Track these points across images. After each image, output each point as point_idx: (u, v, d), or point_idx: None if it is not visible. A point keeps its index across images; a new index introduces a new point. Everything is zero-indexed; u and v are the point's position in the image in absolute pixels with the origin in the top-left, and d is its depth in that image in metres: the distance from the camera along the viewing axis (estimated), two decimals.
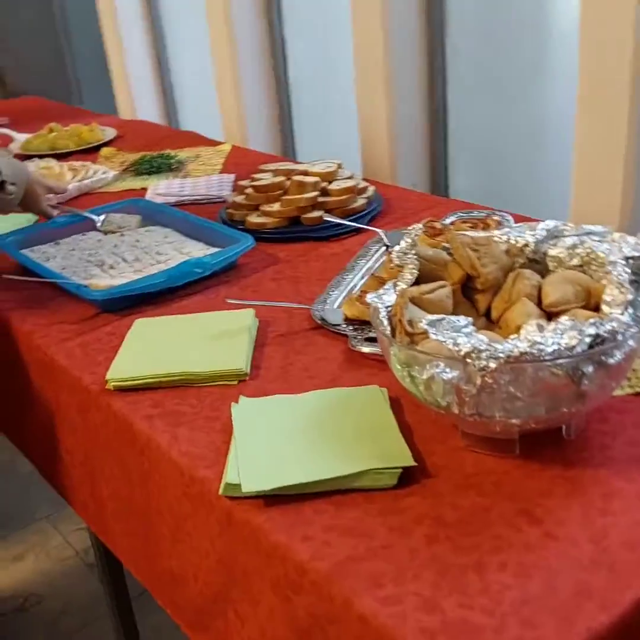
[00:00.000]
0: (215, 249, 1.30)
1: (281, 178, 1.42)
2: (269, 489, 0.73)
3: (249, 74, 2.02)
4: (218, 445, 0.83)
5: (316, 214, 1.38)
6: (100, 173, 1.79)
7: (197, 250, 1.31)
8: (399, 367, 0.76)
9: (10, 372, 1.21)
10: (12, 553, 1.90)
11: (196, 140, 2.13)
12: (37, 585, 1.79)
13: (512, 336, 0.71)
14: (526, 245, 0.87)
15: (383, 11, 1.54)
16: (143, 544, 0.95)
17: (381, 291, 0.83)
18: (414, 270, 0.84)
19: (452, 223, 1.33)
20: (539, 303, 0.82)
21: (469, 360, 0.68)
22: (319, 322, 1.06)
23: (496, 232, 0.88)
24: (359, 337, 0.99)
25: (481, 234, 0.88)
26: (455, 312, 0.83)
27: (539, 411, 0.72)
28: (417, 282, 0.85)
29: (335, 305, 1.11)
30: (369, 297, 0.82)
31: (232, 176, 1.75)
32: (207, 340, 1.01)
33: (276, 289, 1.20)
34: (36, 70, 3.19)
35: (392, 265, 0.89)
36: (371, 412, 0.84)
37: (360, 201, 1.42)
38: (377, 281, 1.11)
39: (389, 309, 0.81)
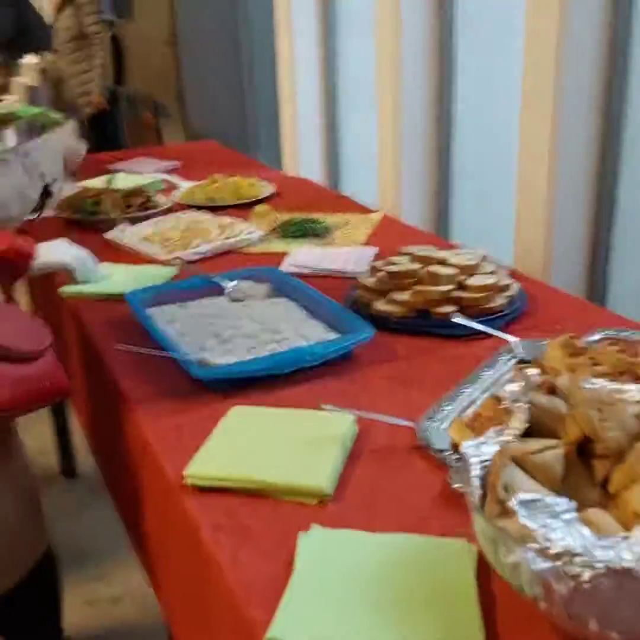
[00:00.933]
0: (333, 334, 1.24)
1: (416, 266, 1.34)
2: None
3: (411, 144, 1.97)
4: (277, 580, 0.75)
5: (447, 309, 1.28)
6: (246, 233, 1.79)
7: (315, 333, 1.25)
8: (482, 540, 0.66)
9: (116, 428, 1.21)
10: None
11: (349, 205, 2.10)
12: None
13: (620, 535, 0.58)
14: None
15: (555, 94, 1.44)
16: None
17: (481, 439, 0.73)
18: (524, 420, 0.73)
19: (597, 342, 1.19)
20: None
21: (558, 564, 0.57)
22: (422, 443, 0.97)
23: (631, 389, 0.75)
24: None
25: (610, 386, 0.75)
26: (566, 477, 0.71)
27: None
28: (528, 432, 0.74)
29: (445, 424, 1.01)
30: (465, 446, 0.72)
31: (374, 250, 1.69)
32: (298, 444, 0.94)
33: (386, 391, 1.11)
34: (219, 113, 3.32)
35: (500, 406, 0.79)
36: (451, 575, 0.73)
37: (500, 301, 1.31)
38: (497, 404, 1.00)
39: (485, 465, 0.70)
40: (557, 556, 0.57)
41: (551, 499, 0.61)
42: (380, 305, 1.32)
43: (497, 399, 1.01)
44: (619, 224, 1.55)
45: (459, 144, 1.99)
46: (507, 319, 1.30)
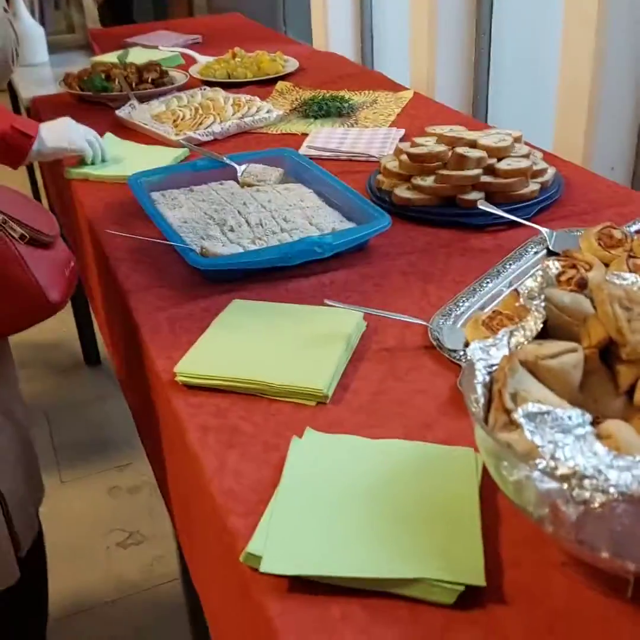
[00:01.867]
0: (348, 224, 1.15)
1: (442, 148, 1.22)
2: (291, 575, 0.59)
3: (447, 15, 1.78)
4: (264, 486, 0.69)
5: (473, 196, 1.17)
6: (264, 111, 1.67)
7: (329, 222, 1.15)
8: (484, 453, 0.58)
9: (120, 320, 1.15)
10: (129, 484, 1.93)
11: (380, 82, 1.94)
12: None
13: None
14: None
15: None
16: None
17: (490, 341, 0.64)
18: (539, 320, 0.64)
19: (638, 233, 1.08)
20: None
21: (566, 486, 0.49)
22: (434, 342, 0.89)
23: None
24: None
25: (638, 289, 0.65)
26: (586, 385, 0.63)
27: None
28: (543, 333, 0.66)
29: (460, 323, 0.92)
30: (472, 347, 0.63)
31: (400, 132, 1.56)
32: (298, 342, 0.87)
33: (401, 286, 1.03)
34: None
35: (517, 304, 0.70)
36: (452, 490, 0.66)
37: (533, 186, 1.19)
38: (517, 301, 0.91)
39: (493, 370, 0.62)
40: (564, 478, 0.49)
41: (562, 411, 0.53)
42: (401, 192, 1.21)
43: (519, 294, 0.92)
44: None
45: (500, 18, 1.80)
46: (539, 206, 1.19)
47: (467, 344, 0.87)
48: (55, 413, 2.19)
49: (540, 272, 0.66)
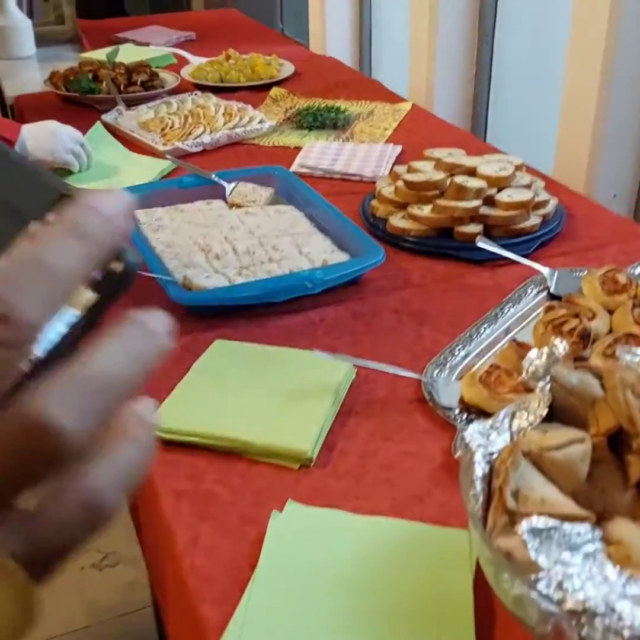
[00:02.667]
0: (340, 255, 1.09)
1: (441, 175, 1.17)
2: None
3: (448, 25, 1.72)
4: (241, 568, 0.64)
5: (472, 228, 1.12)
6: (257, 122, 1.60)
7: (319, 251, 1.10)
8: (482, 560, 0.53)
9: None
10: None
11: (377, 92, 1.87)
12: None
13: None
14: None
15: None
16: None
17: (490, 423, 0.59)
18: (545, 404, 0.59)
19: None
20: None
21: (574, 623, 0.44)
22: (427, 396, 0.83)
23: None
24: None
25: None
26: (593, 475, 0.58)
27: None
28: (549, 416, 0.60)
29: (456, 374, 0.87)
30: (468, 433, 0.58)
31: (397, 149, 1.50)
32: (283, 394, 0.82)
33: (393, 327, 0.97)
34: None
35: (520, 379, 0.65)
36: (444, 582, 0.61)
37: (534, 220, 1.14)
38: (517, 354, 0.86)
39: (493, 458, 0.57)
40: (573, 613, 0.44)
41: (570, 526, 0.48)
42: (396, 221, 1.16)
43: (518, 346, 0.87)
44: None
45: (503, 30, 1.74)
46: (540, 241, 1.13)
47: (462, 401, 0.82)
48: None
49: (546, 350, 0.61)
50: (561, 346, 0.60)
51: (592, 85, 1.31)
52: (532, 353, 0.62)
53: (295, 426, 0.77)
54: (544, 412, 0.59)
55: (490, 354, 0.91)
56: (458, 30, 1.77)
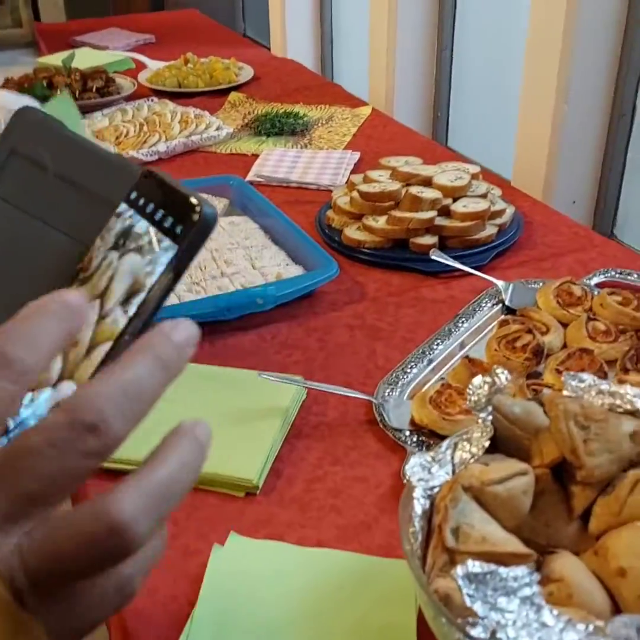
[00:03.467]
0: (294, 268, 1.07)
1: (396, 186, 1.15)
2: None
3: (407, 28, 1.71)
4: (180, 605, 0.62)
5: (427, 240, 1.10)
6: (213, 129, 1.58)
7: (273, 265, 1.08)
8: (420, 601, 0.52)
9: None
10: None
11: (337, 96, 1.85)
12: None
13: (592, 624, 0.44)
14: None
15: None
16: None
17: (431, 455, 0.58)
18: (487, 436, 0.58)
19: (598, 286, 1.02)
20: None
21: None
22: (378, 418, 0.82)
23: (628, 391, 0.59)
24: None
25: (602, 386, 0.59)
26: (536, 507, 0.56)
27: None
28: (491, 443, 0.59)
29: (407, 394, 0.85)
30: (409, 466, 0.56)
31: (355, 156, 1.48)
32: (231, 419, 0.79)
33: (347, 343, 0.95)
34: None
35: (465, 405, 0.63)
36: (387, 617, 0.60)
37: (490, 230, 1.13)
38: (470, 371, 0.84)
39: (434, 492, 0.55)
40: None
41: (505, 570, 0.46)
42: (351, 232, 1.14)
43: (470, 363, 0.86)
44: (634, 143, 1.34)
45: (463, 34, 1.73)
46: (496, 251, 1.12)
47: (413, 422, 0.80)
48: None
49: (488, 379, 0.59)
50: (503, 376, 0.58)
51: (549, 91, 1.30)
52: (476, 380, 0.61)
53: (241, 453, 0.75)
54: (486, 443, 0.57)
55: (443, 371, 0.89)
56: (418, 34, 1.75)
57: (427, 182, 1.16)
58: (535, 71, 1.31)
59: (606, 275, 1.04)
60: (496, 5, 1.67)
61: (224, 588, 0.62)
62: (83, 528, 0.30)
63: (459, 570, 0.46)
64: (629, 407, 0.58)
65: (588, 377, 0.62)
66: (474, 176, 1.19)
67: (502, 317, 0.96)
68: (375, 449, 0.79)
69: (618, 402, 0.59)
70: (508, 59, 1.56)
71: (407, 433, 0.79)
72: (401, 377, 0.87)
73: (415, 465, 0.57)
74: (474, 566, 0.46)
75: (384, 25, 1.75)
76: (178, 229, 0.36)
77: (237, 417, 0.80)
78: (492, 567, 0.46)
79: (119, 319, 0.37)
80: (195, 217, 0.35)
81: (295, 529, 0.69)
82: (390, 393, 0.85)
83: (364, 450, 0.79)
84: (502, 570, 0.46)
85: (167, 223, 0.37)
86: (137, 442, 0.74)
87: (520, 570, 0.47)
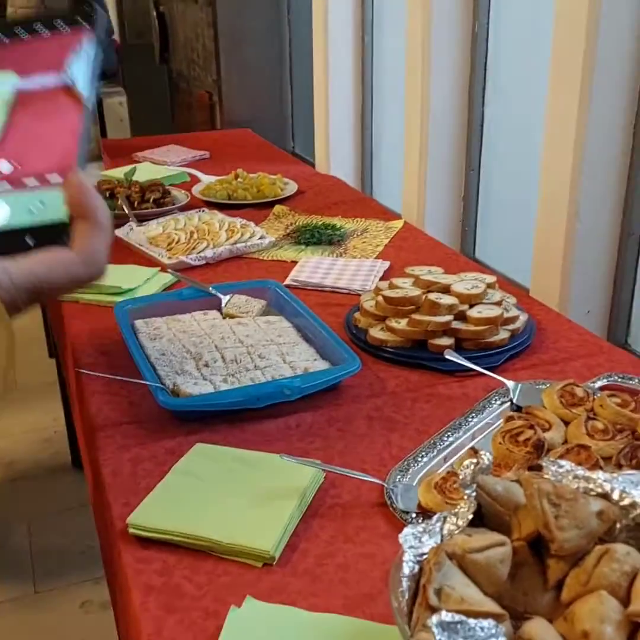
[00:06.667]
0: (321, 363, 1.17)
1: (417, 292, 1.26)
2: None
3: (438, 151, 1.87)
4: None
5: (444, 341, 1.20)
6: (257, 237, 1.73)
7: (302, 360, 1.18)
8: None
9: (89, 455, 1.17)
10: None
11: (373, 210, 2.01)
12: None
13: None
14: (634, 505, 0.65)
15: (580, 118, 1.33)
16: None
17: (422, 526, 0.65)
18: (471, 509, 0.66)
19: (601, 389, 1.09)
20: (627, 599, 0.60)
21: None
22: (388, 501, 0.89)
23: (600, 477, 0.67)
24: None
25: (578, 472, 0.67)
26: (516, 577, 0.63)
27: None
28: (479, 519, 0.67)
29: (417, 480, 0.93)
30: (402, 535, 0.64)
31: (385, 264, 1.61)
32: (253, 496, 0.88)
33: (365, 433, 1.04)
34: (257, 102, 3.25)
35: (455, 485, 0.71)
36: None
37: (503, 334, 1.22)
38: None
39: (423, 559, 0.63)
40: None
41: (474, 621, 0.54)
42: (375, 332, 1.25)
43: (475, 454, 0.93)
44: None
45: (489, 154, 1.88)
46: (508, 354, 1.21)
47: (420, 506, 0.88)
48: (38, 518, 2.18)
49: (474, 460, 0.67)
50: (486, 457, 0.67)
51: (562, 209, 1.42)
52: (466, 461, 0.69)
53: (260, 527, 0.83)
54: (470, 516, 0.65)
55: (451, 460, 0.97)
56: (447, 155, 1.91)
57: (446, 290, 1.27)
58: (550, 190, 1.43)
59: (609, 379, 1.12)
60: (518, 133, 1.82)
61: None
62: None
63: (434, 618, 0.54)
64: (600, 490, 0.66)
65: (566, 463, 0.69)
66: (490, 285, 1.30)
67: (508, 414, 1.04)
68: (383, 530, 0.86)
69: (591, 485, 0.67)
70: (529, 177, 1.69)
71: (414, 515, 0.86)
72: (412, 465, 0.95)
73: (408, 534, 0.64)
74: (446, 616, 0.53)
75: (416, 149, 1.91)
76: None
77: (260, 495, 0.88)
78: (463, 617, 0.54)
79: None
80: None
81: (306, 597, 0.76)
82: (401, 479, 0.93)
83: (373, 530, 0.86)
84: (471, 620, 0.53)
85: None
86: (172, 513, 0.84)
87: (487, 622, 0.54)
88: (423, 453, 0.98)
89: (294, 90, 3.21)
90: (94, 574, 1.95)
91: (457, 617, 0.54)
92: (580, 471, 0.68)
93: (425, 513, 0.87)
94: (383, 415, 1.08)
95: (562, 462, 0.70)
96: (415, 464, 0.96)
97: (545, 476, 0.68)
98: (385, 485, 0.91)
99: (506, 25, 1.80)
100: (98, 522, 1.12)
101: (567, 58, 1.33)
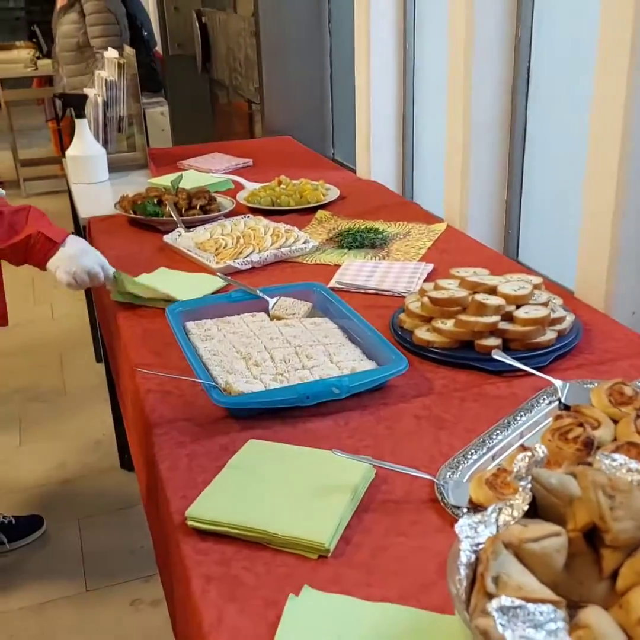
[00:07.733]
0: (368, 364, 1.19)
1: (463, 293, 1.27)
2: None
3: (481, 154, 1.87)
4: None
5: (491, 342, 1.21)
6: (301, 242, 1.76)
7: (349, 360, 1.20)
8: (465, 634, 0.60)
9: (144, 452, 1.20)
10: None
11: (415, 213, 2.02)
12: None
13: None
14: None
15: (626, 114, 1.33)
16: None
17: (479, 517, 0.67)
18: (526, 501, 0.67)
19: None
20: None
21: None
22: (439, 497, 0.91)
23: None
24: None
25: (632, 465, 0.68)
26: (571, 567, 0.65)
27: None
28: (533, 511, 0.68)
29: (467, 476, 0.95)
30: (458, 525, 0.66)
31: (429, 267, 1.62)
32: (307, 491, 0.90)
33: (413, 431, 1.06)
34: (298, 110, 3.29)
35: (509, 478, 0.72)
36: None
37: (550, 335, 1.23)
38: None
39: (479, 548, 0.64)
40: None
41: (534, 606, 0.55)
42: (421, 333, 1.26)
43: (525, 450, 0.94)
44: None
45: (533, 154, 1.88)
46: (555, 354, 1.22)
47: (471, 501, 0.89)
48: (88, 517, 2.23)
49: (528, 453, 0.69)
50: (541, 450, 0.68)
51: (607, 212, 1.41)
52: (520, 455, 0.71)
53: (315, 520, 0.85)
54: (526, 507, 0.67)
55: (501, 458, 0.98)
56: (489, 156, 1.91)
57: (492, 291, 1.28)
58: (595, 193, 1.43)
59: None
60: (560, 140, 1.83)
61: (297, 632, 0.71)
62: None
63: (494, 603, 0.55)
64: None
65: (619, 457, 0.71)
66: (536, 286, 1.31)
67: (557, 412, 1.04)
68: (436, 524, 0.88)
69: None
70: (572, 181, 1.69)
71: (465, 510, 0.88)
72: (462, 462, 0.97)
73: (464, 525, 0.66)
74: (506, 600, 0.55)
75: (459, 156, 1.92)
76: None
77: (314, 490, 0.90)
78: (522, 602, 0.55)
79: None
80: None
81: (361, 587, 0.78)
82: (451, 475, 0.94)
83: (426, 524, 0.88)
84: (530, 605, 0.55)
85: None
86: (229, 507, 0.86)
87: (546, 607, 0.55)
88: (472, 451, 0.99)
89: (334, 98, 3.24)
90: (143, 573, 1.99)
91: (517, 602, 0.55)
92: (633, 464, 0.69)
93: (476, 508, 0.88)
94: (431, 414, 1.10)
95: (616, 455, 0.71)
96: (465, 461, 0.97)
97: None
98: (436, 481, 0.93)
99: (549, 31, 1.80)
100: (152, 518, 1.15)
101: (613, 64, 1.34)
